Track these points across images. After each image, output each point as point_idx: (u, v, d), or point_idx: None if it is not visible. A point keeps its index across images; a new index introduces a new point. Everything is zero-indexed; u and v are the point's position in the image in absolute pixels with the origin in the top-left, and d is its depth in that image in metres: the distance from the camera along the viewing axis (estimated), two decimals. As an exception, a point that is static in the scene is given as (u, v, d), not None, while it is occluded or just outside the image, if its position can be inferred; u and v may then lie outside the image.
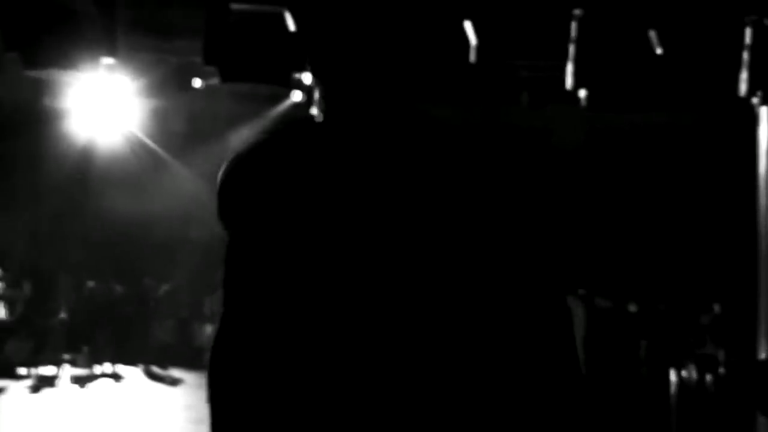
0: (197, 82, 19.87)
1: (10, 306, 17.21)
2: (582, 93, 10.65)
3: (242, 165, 1.94)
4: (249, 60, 10.10)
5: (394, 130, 1.86)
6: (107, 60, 10.74)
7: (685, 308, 15.02)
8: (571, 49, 10.50)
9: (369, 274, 1.78)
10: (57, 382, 16.37)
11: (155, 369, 18.34)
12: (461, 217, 1.76)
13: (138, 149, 22.40)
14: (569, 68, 10.46)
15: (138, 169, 22.34)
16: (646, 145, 21.31)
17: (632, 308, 15.22)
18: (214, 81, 19.20)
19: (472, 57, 10.84)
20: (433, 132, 1.87)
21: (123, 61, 16.51)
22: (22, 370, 16.94)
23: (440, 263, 1.75)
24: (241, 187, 1.92)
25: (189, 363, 18.47)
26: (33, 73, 20.24)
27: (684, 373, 14.02)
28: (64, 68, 10.70)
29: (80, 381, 16.53)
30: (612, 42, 10.35)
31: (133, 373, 17.81)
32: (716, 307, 15.12)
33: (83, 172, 22.29)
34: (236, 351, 1.89)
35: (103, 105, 20.86)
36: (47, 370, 17.10)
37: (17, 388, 15.40)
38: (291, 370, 1.81)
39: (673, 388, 13.96)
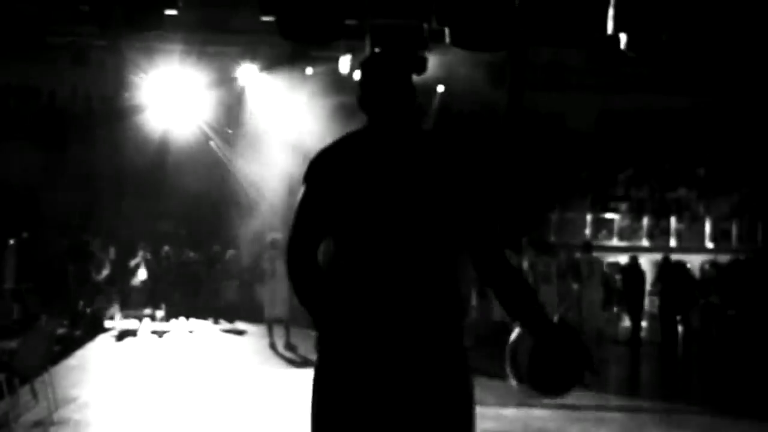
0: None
1: (99, 268, 17.08)
2: (623, 37, 10.00)
3: (323, 152, 3.04)
4: (305, 11, 9.53)
5: (404, 135, 3.01)
6: (170, 11, 10.23)
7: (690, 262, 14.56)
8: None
9: (389, 214, 2.85)
10: (138, 333, 16.23)
11: (223, 322, 18.21)
12: (432, 185, 2.89)
13: (206, 137, 22.38)
14: (610, 12, 9.80)
15: (206, 154, 22.35)
16: (647, 126, 20.94)
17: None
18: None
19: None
20: (423, 139, 3.04)
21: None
22: (108, 323, 16.87)
23: (423, 207, 2.87)
24: (320, 164, 3.00)
25: (251, 317, 18.39)
26: (117, 71, 20.32)
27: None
28: (131, 25, 10.27)
29: (158, 333, 16.38)
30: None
31: (204, 326, 17.64)
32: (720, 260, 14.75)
33: (161, 156, 22.36)
34: (303, 236, 2.99)
35: (175, 98, 20.82)
36: (130, 324, 17.01)
37: (105, 338, 15.26)
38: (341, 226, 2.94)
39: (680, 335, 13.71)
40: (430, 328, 2.83)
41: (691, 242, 20.22)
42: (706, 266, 14.74)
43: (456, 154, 2.97)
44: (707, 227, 20.90)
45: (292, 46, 16.55)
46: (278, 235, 15.01)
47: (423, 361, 2.80)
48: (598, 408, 9.33)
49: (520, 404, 9.28)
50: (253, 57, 18.40)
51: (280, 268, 14.24)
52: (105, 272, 17.21)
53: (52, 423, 7.69)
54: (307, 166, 3.01)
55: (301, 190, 2.99)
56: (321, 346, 3.00)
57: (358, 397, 2.82)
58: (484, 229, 2.94)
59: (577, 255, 14.13)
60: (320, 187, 2.94)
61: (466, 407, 2.89)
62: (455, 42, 9.80)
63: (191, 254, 19.18)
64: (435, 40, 10.17)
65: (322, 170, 2.96)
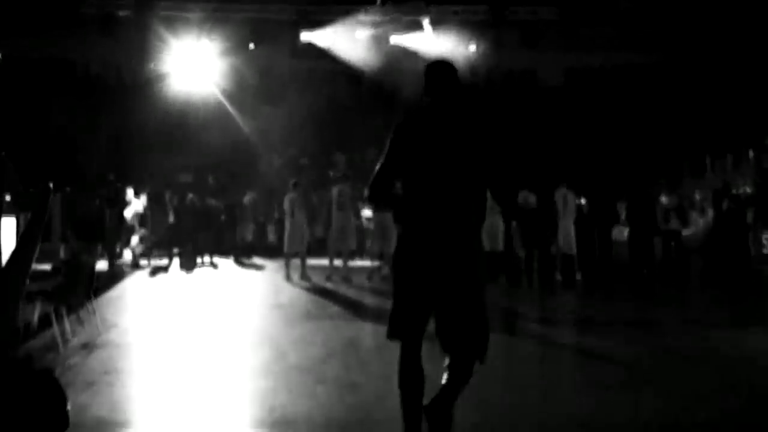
0: (251, 45, 19.13)
1: (132, 212, 16.77)
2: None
3: (403, 120, 4.03)
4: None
5: (451, 111, 3.99)
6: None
7: (653, 196, 14.18)
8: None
9: (439, 163, 3.86)
10: (168, 269, 15.90)
11: (242, 259, 17.90)
12: (465, 144, 3.91)
13: (222, 98, 22.01)
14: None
15: (223, 113, 22.01)
16: (612, 83, 20.49)
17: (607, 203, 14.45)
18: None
19: None
20: (462, 114, 3.97)
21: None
22: (143, 261, 16.54)
23: (460, 158, 3.87)
24: (400, 127, 4.00)
25: (266, 254, 18.13)
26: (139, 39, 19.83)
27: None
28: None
29: (186, 268, 16.04)
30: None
31: (225, 263, 17.33)
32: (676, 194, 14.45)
33: (183, 115, 22.06)
34: (380, 177, 4.01)
35: (194, 65, 20.42)
36: (161, 262, 16.68)
37: (140, 274, 14.93)
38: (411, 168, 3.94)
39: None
40: (461, 225, 3.92)
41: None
42: (664, 199, 14.38)
43: (481, 124, 3.96)
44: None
45: (296, 12, 16.07)
46: (299, 179, 14.71)
47: (456, 239, 3.90)
48: (606, 323, 9.10)
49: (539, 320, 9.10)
50: (258, 24, 17.86)
51: (299, 208, 13.81)
52: (136, 210, 16.95)
53: (97, 346, 7.37)
54: (392, 129, 4.01)
55: (387, 145, 4.00)
56: (402, 230, 4.04)
57: (419, 254, 3.90)
58: (497, 172, 3.99)
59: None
60: (398, 143, 3.97)
61: (479, 266, 3.98)
62: None
63: (213, 201, 18.77)
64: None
65: (401, 133, 3.98)
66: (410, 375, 3.96)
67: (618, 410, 5.19)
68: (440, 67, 4.15)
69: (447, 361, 3.97)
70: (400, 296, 3.98)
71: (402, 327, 3.97)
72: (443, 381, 3.98)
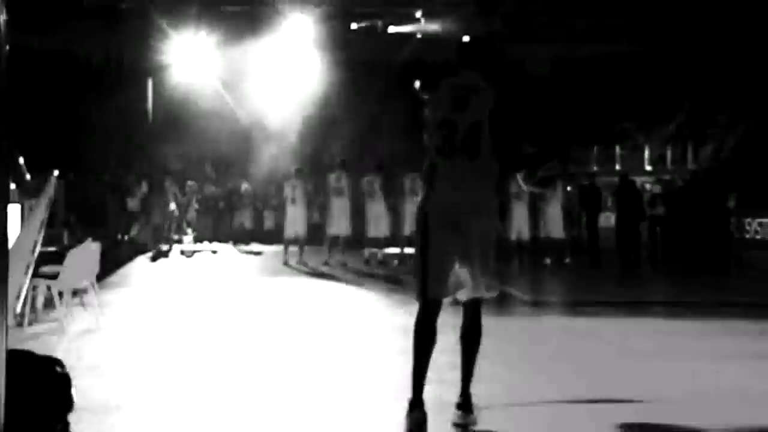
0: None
1: (133, 197, 16.70)
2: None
3: (441, 82, 4.23)
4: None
5: (476, 78, 4.16)
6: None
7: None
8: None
9: (461, 110, 4.06)
10: (169, 255, 15.85)
11: (241, 245, 17.88)
12: (481, 96, 4.06)
13: (219, 88, 21.86)
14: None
15: (220, 101, 21.87)
16: (595, 72, 20.43)
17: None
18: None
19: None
20: (485, 81, 4.14)
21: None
22: (143, 246, 16.49)
23: (476, 104, 4.04)
24: (437, 87, 4.21)
25: (264, 240, 18.11)
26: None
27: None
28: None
29: (186, 254, 16.00)
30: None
31: (224, 248, 17.29)
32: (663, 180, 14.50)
33: (183, 105, 21.90)
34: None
35: (192, 56, 20.30)
36: (162, 247, 16.64)
37: (141, 259, 14.88)
38: (432, 131, 4.16)
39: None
40: (481, 183, 4.09)
41: (633, 166, 19.99)
42: (648, 185, 14.47)
43: (493, 89, 4.12)
44: (646, 153, 20.64)
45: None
46: (302, 166, 14.68)
47: (476, 197, 4.09)
48: (595, 304, 9.11)
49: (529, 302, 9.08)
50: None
51: (300, 194, 13.80)
52: (139, 194, 16.91)
53: (99, 328, 7.33)
54: (429, 93, 4.26)
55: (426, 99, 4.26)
56: (426, 187, 4.21)
57: (441, 209, 4.07)
58: (505, 133, 4.06)
59: None
60: (431, 101, 4.21)
61: (495, 223, 4.22)
62: None
63: (212, 188, 18.75)
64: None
65: (436, 92, 4.20)
66: (429, 333, 4.07)
67: (610, 389, 5.19)
68: (473, 43, 4.37)
69: (462, 320, 4.21)
70: (430, 250, 4.06)
71: (435, 284, 4.04)
72: (461, 357, 4.25)
